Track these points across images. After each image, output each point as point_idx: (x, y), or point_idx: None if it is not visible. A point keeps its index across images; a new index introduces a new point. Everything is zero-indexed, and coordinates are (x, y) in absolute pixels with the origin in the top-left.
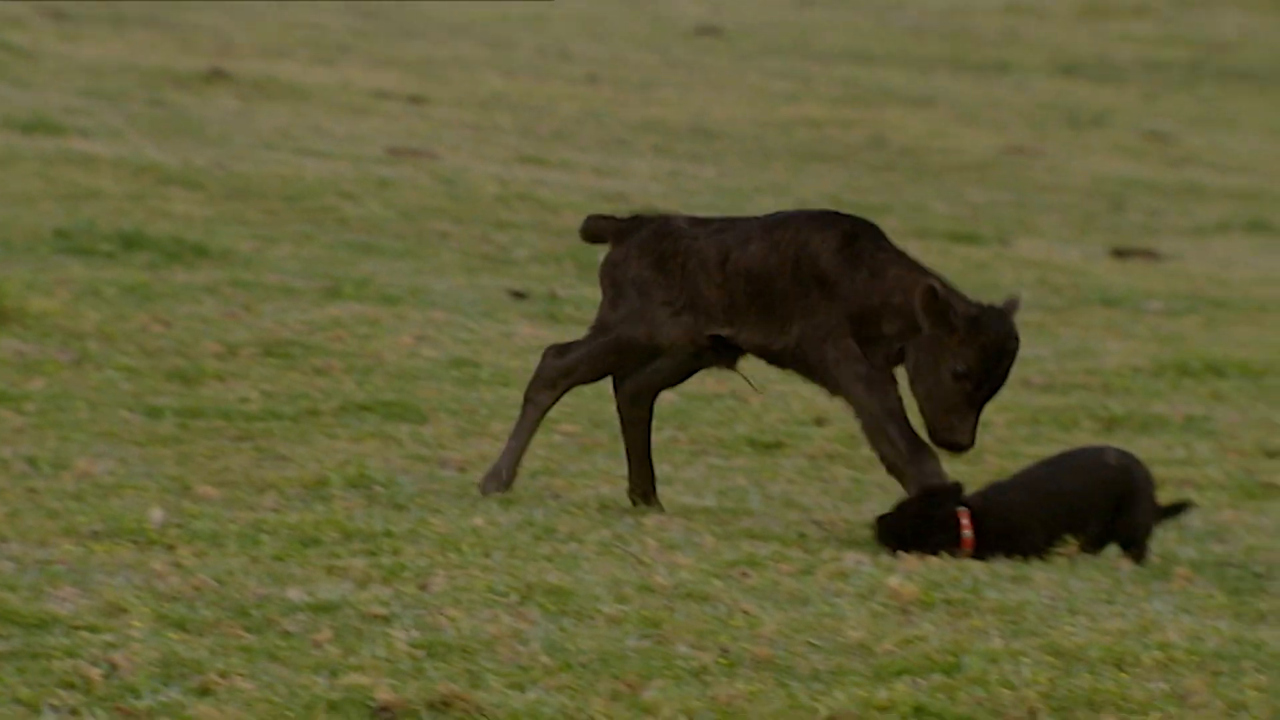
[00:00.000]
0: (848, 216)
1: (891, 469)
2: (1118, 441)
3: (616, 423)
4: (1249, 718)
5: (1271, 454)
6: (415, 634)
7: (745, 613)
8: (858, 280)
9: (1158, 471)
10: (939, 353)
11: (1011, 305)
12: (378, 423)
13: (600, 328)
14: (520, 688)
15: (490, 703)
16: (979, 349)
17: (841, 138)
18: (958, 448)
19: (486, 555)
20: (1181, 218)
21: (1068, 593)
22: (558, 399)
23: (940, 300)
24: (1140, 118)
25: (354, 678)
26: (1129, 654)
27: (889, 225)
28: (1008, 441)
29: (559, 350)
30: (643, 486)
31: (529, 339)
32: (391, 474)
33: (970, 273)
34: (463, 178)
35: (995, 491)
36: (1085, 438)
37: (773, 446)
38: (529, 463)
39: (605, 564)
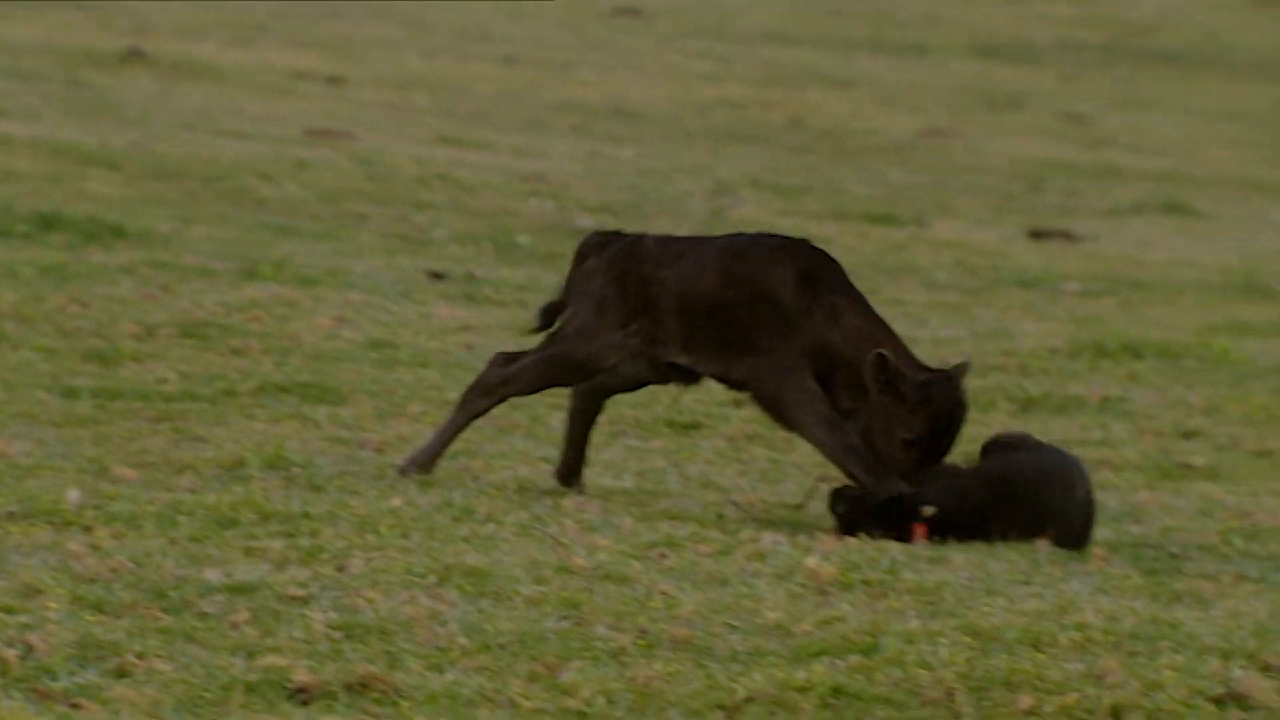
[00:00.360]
0: (806, 250)
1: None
2: (1034, 424)
3: (534, 405)
4: (1165, 697)
5: (1188, 435)
6: (333, 615)
7: (663, 594)
8: (815, 321)
9: (1075, 452)
10: (888, 419)
11: (960, 370)
12: (296, 404)
13: (553, 338)
14: (438, 669)
15: (408, 684)
16: (928, 418)
17: (761, 119)
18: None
19: (405, 537)
20: (1099, 199)
21: (985, 574)
22: (494, 406)
23: (890, 369)
24: (1058, 99)
25: (271, 659)
26: (1046, 634)
27: (808, 207)
28: None
29: (505, 358)
30: (570, 470)
31: (447, 320)
32: (309, 455)
33: (888, 254)
34: (381, 159)
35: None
36: (1002, 419)
37: (691, 428)
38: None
39: (524, 545)
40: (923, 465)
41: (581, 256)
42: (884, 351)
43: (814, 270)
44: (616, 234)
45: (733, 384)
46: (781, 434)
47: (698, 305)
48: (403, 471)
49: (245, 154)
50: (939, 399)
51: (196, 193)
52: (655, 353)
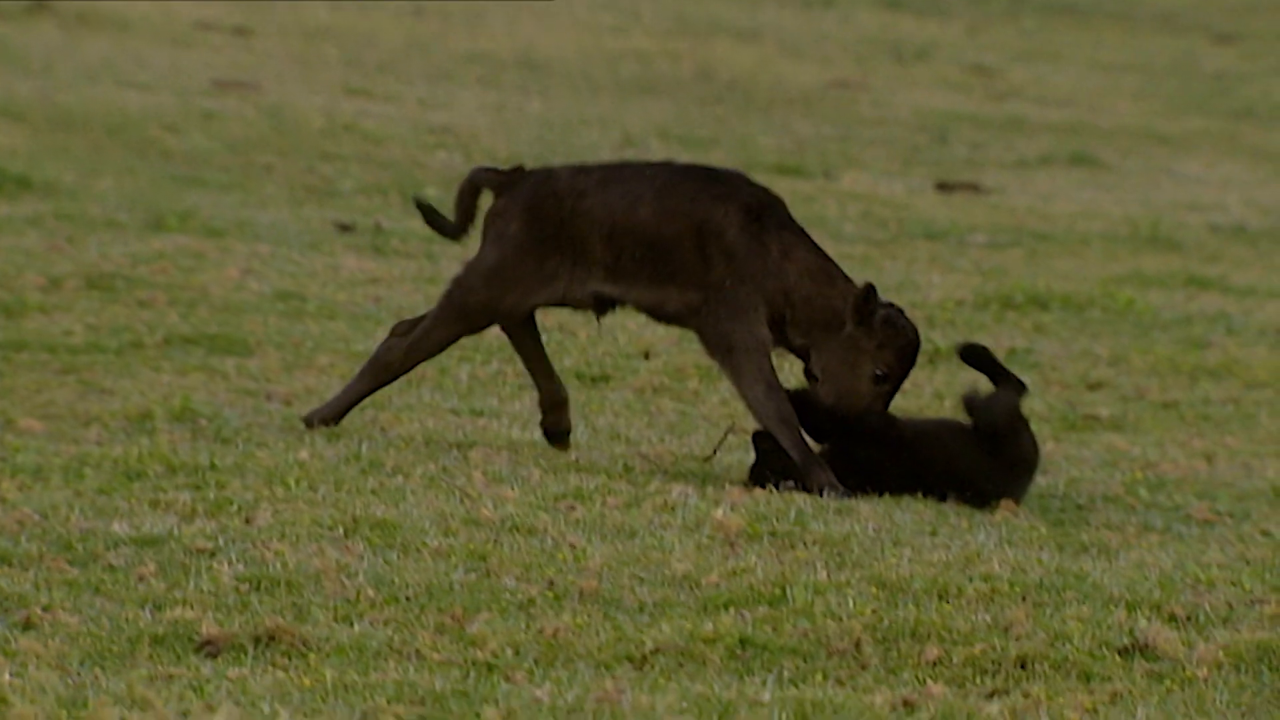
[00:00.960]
0: (747, 186)
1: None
2: (940, 375)
3: (442, 358)
4: (1071, 648)
5: (1093, 386)
6: (240, 568)
7: (571, 546)
8: (768, 260)
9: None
10: (857, 355)
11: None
12: (203, 356)
13: (457, 284)
14: (347, 621)
15: (316, 636)
16: (898, 351)
17: (669, 70)
18: None
19: (312, 489)
20: (1005, 151)
21: (892, 525)
22: (400, 376)
23: (873, 303)
24: (964, 51)
25: (179, 612)
26: (952, 585)
27: (716, 158)
28: None
29: (406, 326)
30: (554, 402)
31: (355, 271)
32: (216, 407)
33: (796, 206)
34: (288, 110)
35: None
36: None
37: (599, 380)
38: None
39: (431, 497)
40: (887, 401)
41: (472, 192)
42: (872, 283)
43: (760, 206)
44: (515, 170)
45: (663, 316)
46: (690, 387)
47: (628, 237)
48: (308, 423)
49: (151, 105)
50: (905, 331)
51: (102, 144)
52: (578, 288)
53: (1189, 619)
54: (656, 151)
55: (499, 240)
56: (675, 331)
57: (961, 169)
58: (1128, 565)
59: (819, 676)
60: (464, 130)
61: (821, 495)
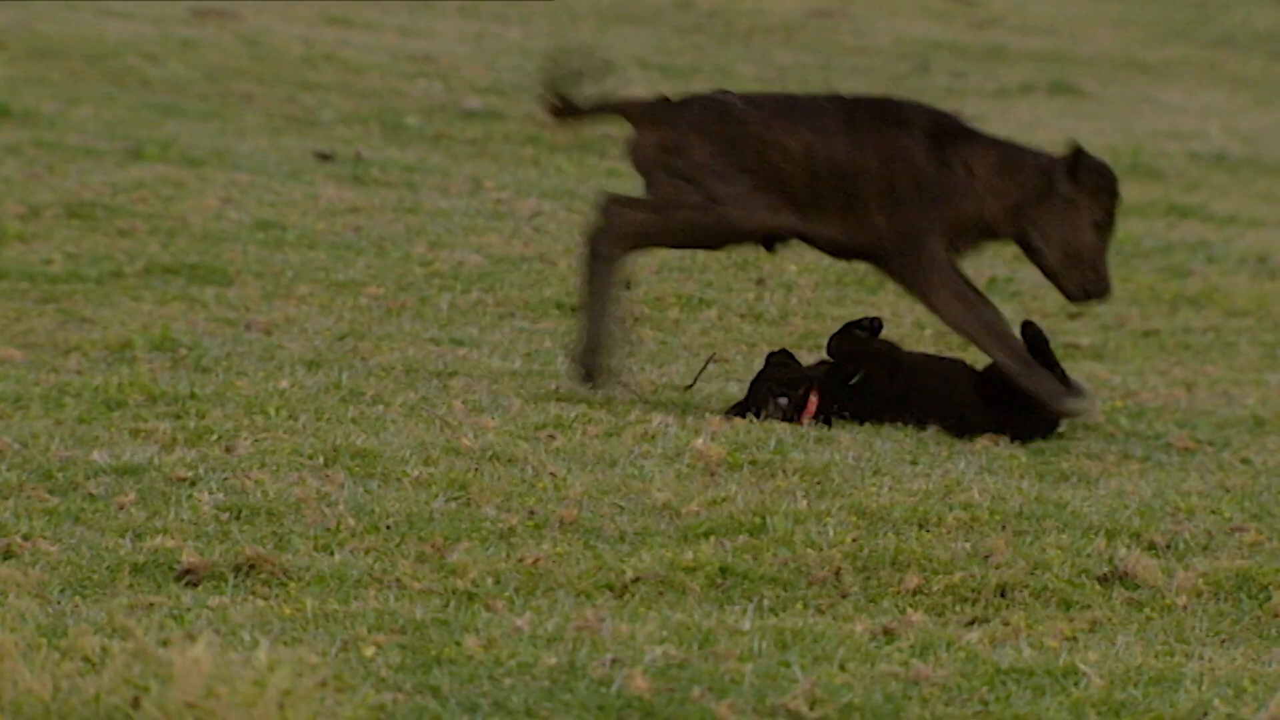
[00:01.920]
0: (924, 110)
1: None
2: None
3: (422, 286)
4: (1051, 576)
5: (1073, 315)
6: (220, 497)
7: (552, 475)
8: (957, 180)
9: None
10: (1074, 212)
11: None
12: (182, 285)
13: (665, 207)
14: (327, 550)
15: (296, 565)
16: (1109, 195)
17: None
18: (1105, 294)
19: (292, 418)
20: (986, 80)
21: (872, 454)
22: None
23: (1084, 156)
24: None
25: (159, 540)
26: (932, 514)
27: (697, 87)
28: (813, 303)
29: (623, 202)
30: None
31: (334, 201)
32: (197, 337)
33: None
34: (267, 39)
35: None
36: (890, 299)
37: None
38: (335, 326)
39: (412, 426)
40: (1107, 246)
41: (604, 110)
42: (1079, 143)
43: (939, 127)
44: (661, 100)
45: (844, 251)
46: (671, 316)
47: (827, 169)
48: (584, 377)
49: (130, 33)
50: (1108, 174)
51: (81, 72)
52: (778, 218)
53: (1168, 547)
54: (636, 79)
55: (683, 175)
56: (655, 260)
57: (942, 97)
58: (1107, 493)
59: (799, 605)
60: (444, 59)
61: (1053, 405)
